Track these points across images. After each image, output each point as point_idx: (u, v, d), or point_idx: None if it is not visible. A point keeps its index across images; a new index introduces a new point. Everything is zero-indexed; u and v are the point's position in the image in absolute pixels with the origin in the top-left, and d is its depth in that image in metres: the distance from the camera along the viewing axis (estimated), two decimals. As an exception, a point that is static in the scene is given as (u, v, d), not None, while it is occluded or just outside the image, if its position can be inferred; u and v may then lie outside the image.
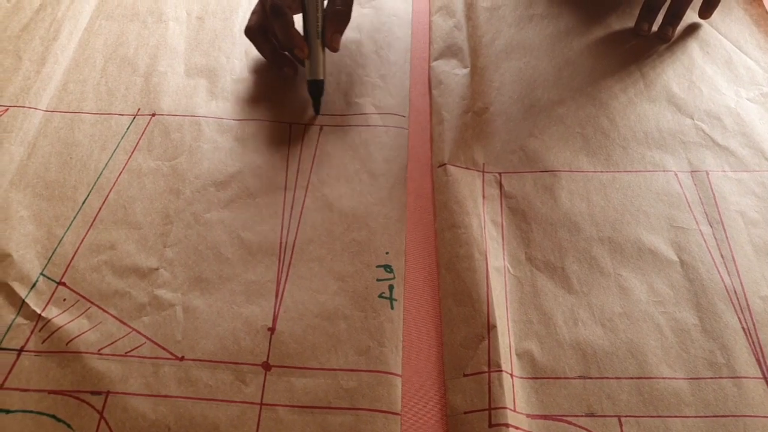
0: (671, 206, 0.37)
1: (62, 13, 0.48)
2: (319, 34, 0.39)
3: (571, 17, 0.49)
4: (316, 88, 0.40)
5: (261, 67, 0.45)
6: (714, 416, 0.29)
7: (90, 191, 0.38)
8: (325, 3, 0.40)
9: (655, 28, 0.47)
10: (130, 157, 0.39)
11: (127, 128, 0.41)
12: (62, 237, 0.36)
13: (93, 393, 0.30)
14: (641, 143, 0.40)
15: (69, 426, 0.29)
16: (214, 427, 0.29)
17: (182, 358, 0.31)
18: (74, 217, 0.37)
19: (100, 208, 0.37)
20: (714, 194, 0.37)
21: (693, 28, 0.47)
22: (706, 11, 0.46)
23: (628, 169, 0.39)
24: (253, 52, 0.44)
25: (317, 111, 0.41)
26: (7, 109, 0.42)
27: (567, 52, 0.46)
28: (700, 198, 0.37)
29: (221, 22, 0.47)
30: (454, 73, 0.44)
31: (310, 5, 0.38)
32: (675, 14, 0.46)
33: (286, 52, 0.43)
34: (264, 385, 0.30)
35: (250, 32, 0.42)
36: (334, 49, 0.40)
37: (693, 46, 0.46)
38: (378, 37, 0.46)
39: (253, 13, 0.42)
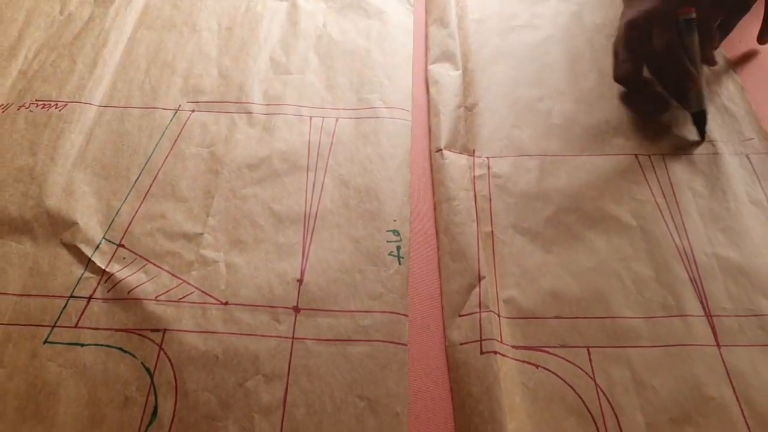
0: (632, 182, 0.44)
1: (109, 24, 0.55)
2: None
3: (548, 28, 0.56)
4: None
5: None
6: (665, 346, 0.35)
7: (141, 171, 0.44)
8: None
9: None
10: (174, 144, 0.46)
11: (170, 120, 0.48)
12: (119, 208, 0.42)
13: (152, 330, 0.36)
14: (608, 132, 0.47)
15: (134, 356, 0.35)
16: (255, 356, 0.35)
17: (226, 303, 0.37)
18: (128, 193, 0.43)
19: (150, 185, 0.43)
20: (668, 172, 0.44)
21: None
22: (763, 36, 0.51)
23: (596, 153, 0.46)
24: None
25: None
26: (66, 105, 0.48)
27: (545, 57, 0.53)
28: (656, 176, 0.44)
29: (248, 31, 0.55)
30: (448, 74, 0.52)
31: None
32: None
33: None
34: (295, 324, 0.36)
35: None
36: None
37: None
38: (385, 44, 0.54)
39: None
